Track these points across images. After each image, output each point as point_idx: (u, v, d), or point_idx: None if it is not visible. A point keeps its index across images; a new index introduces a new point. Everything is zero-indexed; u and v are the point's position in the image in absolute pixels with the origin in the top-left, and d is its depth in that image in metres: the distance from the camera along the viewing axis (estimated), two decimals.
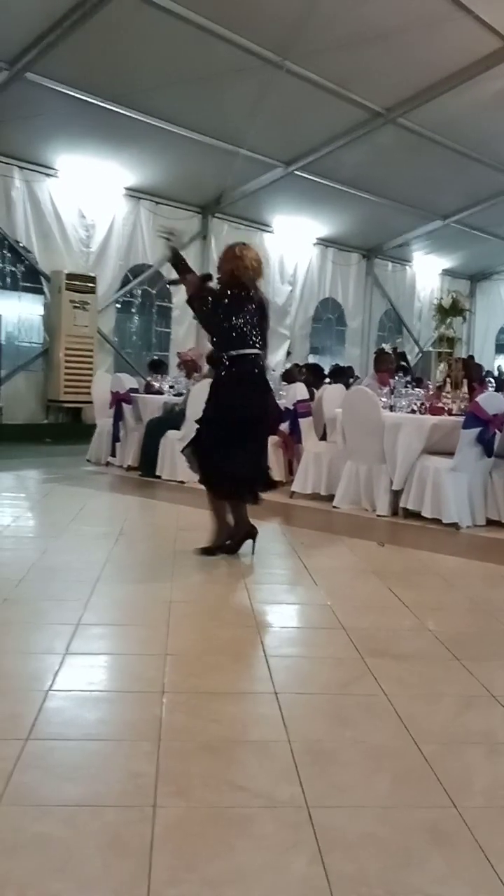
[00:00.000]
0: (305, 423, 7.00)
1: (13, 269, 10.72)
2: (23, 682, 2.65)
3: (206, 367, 8.36)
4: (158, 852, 1.70)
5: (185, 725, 2.35)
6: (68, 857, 1.68)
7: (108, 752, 2.19)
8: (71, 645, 2.98)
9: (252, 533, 4.56)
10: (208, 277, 4.55)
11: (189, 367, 8.67)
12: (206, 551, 4.49)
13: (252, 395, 4.41)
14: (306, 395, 7.12)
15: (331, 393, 7.12)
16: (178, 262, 4.58)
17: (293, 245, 14.22)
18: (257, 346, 4.42)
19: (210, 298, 4.40)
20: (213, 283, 4.50)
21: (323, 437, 7.00)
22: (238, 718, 2.45)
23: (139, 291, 12.41)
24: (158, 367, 10.05)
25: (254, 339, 4.39)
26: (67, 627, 3.17)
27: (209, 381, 7.79)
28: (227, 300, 4.37)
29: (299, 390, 7.16)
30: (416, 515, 5.88)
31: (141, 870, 1.64)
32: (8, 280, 10.72)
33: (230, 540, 4.56)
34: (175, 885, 1.61)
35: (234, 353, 4.37)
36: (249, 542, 4.58)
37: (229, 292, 4.38)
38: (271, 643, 3.14)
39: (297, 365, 10.69)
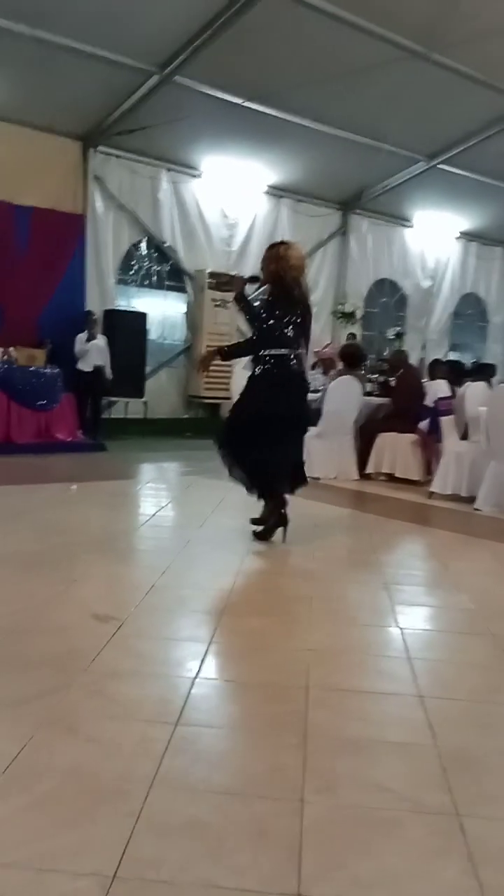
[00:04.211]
0: (446, 422, 6.83)
1: (159, 268, 11.08)
2: (171, 668, 2.73)
3: (341, 364, 8.34)
4: (307, 847, 1.71)
5: (329, 721, 2.34)
6: (219, 843, 1.71)
7: (254, 742, 2.23)
8: (215, 634, 3.05)
9: (282, 522, 4.59)
10: (255, 279, 4.69)
11: (326, 364, 8.69)
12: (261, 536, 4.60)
13: (284, 395, 4.41)
14: (447, 393, 6.95)
15: (473, 391, 6.90)
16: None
17: (434, 240, 13.92)
18: (296, 346, 4.43)
19: (250, 299, 4.59)
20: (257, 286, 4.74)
21: (464, 437, 6.81)
22: (382, 718, 2.42)
23: None
24: None
25: (293, 339, 4.41)
26: (211, 617, 3.24)
27: (347, 377, 7.80)
28: (269, 299, 4.45)
29: (440, 387, 6.99)
30: None
31: (290, 863, 1.65)
32: (154, 279, 11.08)
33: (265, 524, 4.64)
34: (323, 881, 1.61)
35: (271, 352, 4.39)
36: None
37: (271, 292, 4.46)
38: (413, 645, 3.09)
39: (437, 360, 10.45)
